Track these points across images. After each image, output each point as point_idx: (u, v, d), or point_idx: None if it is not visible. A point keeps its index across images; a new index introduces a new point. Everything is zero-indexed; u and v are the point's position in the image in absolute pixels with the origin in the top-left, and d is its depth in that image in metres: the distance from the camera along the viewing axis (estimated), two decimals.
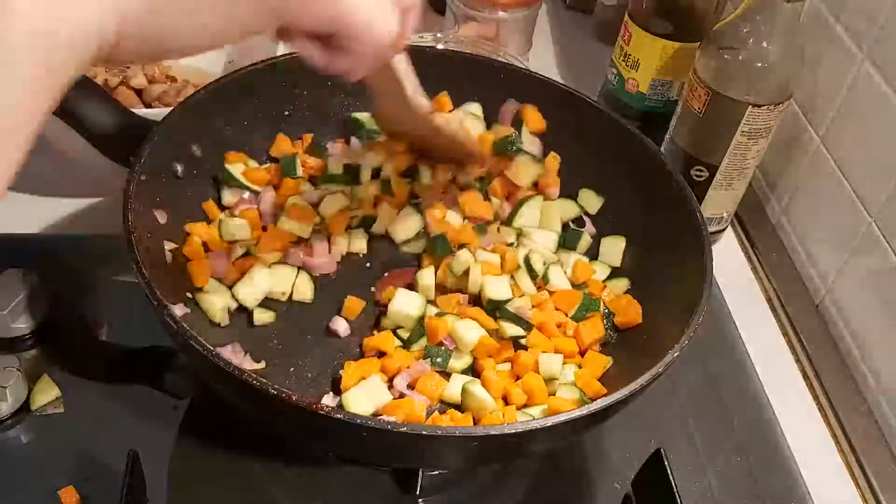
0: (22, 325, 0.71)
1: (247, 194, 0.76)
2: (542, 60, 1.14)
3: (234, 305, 0.70)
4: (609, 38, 1.04)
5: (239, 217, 0.74)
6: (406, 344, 0.69)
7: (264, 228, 0.75)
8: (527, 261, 0.74)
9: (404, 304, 0.70)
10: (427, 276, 0.73)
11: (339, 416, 0.50)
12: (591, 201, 0.81)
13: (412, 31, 0.54)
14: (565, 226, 0.81)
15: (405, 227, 0.77)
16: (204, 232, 0.71)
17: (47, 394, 0.68)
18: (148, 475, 0.62)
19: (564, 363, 0.69)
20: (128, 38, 0.38)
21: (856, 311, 0.82)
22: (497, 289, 0.72)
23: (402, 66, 0.67)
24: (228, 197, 0.75)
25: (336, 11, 0.46)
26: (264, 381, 0.51)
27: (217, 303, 0.68)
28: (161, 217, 0.68)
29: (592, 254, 0.79)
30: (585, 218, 0.81)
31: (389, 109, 0.75)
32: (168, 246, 0.68)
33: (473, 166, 0.80)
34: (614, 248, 0.78)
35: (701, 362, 0.80)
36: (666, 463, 0.63)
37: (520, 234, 0.78)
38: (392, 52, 0.55)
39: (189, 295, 0.68)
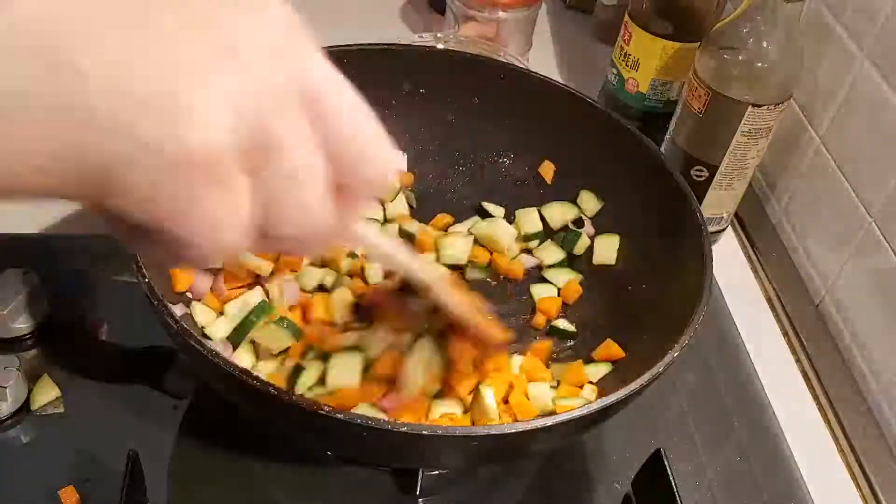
0: (22, 325, 0.71)
1: None
2: (542, 60, 1.14)
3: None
4: (609, 38, 1.05)
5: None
6: None
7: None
8: None
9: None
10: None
11: (339, 416, 0.50)
12: (590, 204, 0.81)
13: (352, 223, 0.38)
14: (564, 227, 0.81)
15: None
16: None
17: (47, 394, 0.68)
18: (148, 475, 0.62)
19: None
20: None
21: (856, 311, 0.82)
22: None
23: (374, 238, 0.54)
24: None
25: (172, 212, 0.31)
26: (264, 381, 0.51)
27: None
28: None
29: (588, 256, 0.80)
30: (585, 218, 0.81)
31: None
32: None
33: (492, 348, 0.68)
34: (608, 247, 0.78)
35: (701, 362, 0.80)
36: (666, 463, 0.63)
37: None
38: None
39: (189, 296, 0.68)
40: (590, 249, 0.80)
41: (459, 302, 0.64)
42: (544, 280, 0.80)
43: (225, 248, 0.33)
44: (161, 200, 0.30)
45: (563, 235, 0.80)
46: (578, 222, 0.81)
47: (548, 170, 0.83)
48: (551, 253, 0.80)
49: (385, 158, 0.37)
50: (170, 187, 0.30)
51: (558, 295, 0.79)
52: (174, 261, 0.39)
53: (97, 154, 0.28)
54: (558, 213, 0.81)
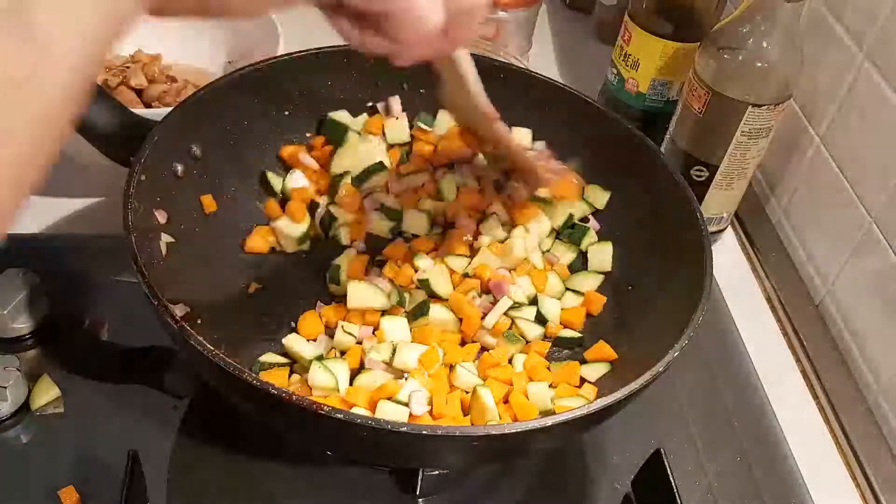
0: (22, 325, 0.71)
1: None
2: (542, 60, 1.14)
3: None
4: (609, 38, 1.05)
5: None
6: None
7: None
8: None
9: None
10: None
11: (339, 415, 0.50)
12: (599, 196, 0.80)
13: (469, 35, 0.52)
14: (570, 225, 0.80)
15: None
16: None
17: (47, 394, 0.68)
18: (148, 475, 0.62)
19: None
20: None
21: (856, 311, 0.82)
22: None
23: (466, 64, 0.65)
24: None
25: None
26: (264, 381, 0.51)
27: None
28: (161, 217, 0.68)
29: (581, 263, 0.79)
30: (590, 215, 0.80)
31: (455, 101, 0.73)
32: (165, 239, 0.68)
33: (531, 185, 0.78)
34: (603, 255, 0.78)
35: (701, 362, 0.80)
36: (666, 463, 0.63)
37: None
38: (438, 47, 0.52)
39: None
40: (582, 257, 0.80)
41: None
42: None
43: (418, 30, 0.47)
44: None
45: (568, 232, 0.80)
46: (583, 218, 0.81)
47: None
48: (563, 252, 0.80)
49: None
50: None
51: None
52: (393, 47, 0.49)
53: None
54: (570, 205, 0.81)
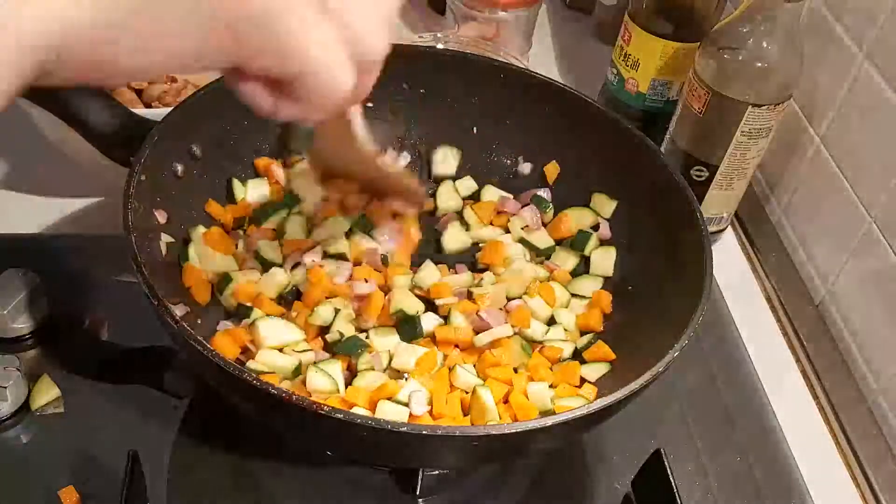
0: (22, 325, 0.71)
1: None
2: (542, 60, 1.14)
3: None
4: (609, 38, 1.05)
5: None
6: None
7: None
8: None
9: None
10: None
11: (339, 416, 0.50)
12: (605, 205, 0.80)
13: (367, 91, 0.50)
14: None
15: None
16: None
17: (47, 394, 0.68)
18: (148, 475, 0.62)
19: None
20: (70, 54, 0.36)
21: (856, 311, 0.82)
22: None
23: (354, 110, 0.62)
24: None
25: (292, 56, 0.43)
26: (264, 381, 0.51)
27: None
28: (161, 217, 0.68)
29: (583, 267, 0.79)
30: (602, 220, 0.80)
31: (330, 149, 0.70)
32: (165, 239, 0.68)
33: (414, 204, 0.76)
34: (606, 260, 0.78)
35: (701, 362, 0.80)
36: (666, 463, 0.63)
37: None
38: (346, 105, 0.51)
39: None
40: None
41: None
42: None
43: (333, 93, 0.45)
44: (284, 50, 0.42)
45: (571, 239, 0.79)
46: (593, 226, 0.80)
47: (552, 170, 0.83)
48: (564, 259, 0.79)
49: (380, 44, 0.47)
50: (290, 25, 0.41)
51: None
52: (309, 110, 0.47)
53: (261, 14, 0.40)
54: (574, 220, 0.81)
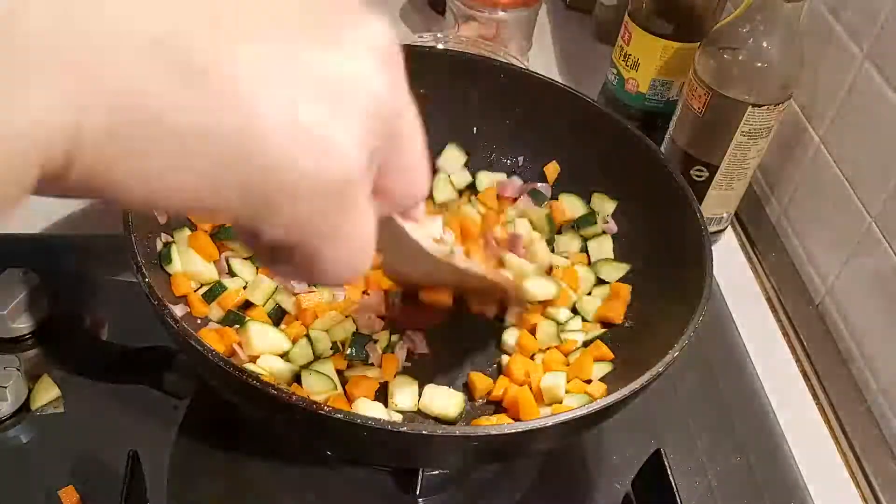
0: (22, 325, 0.71)
1: None
2: (542, 60, 1.14)
3: None
4: (609, 38, 1.05)
5: None
6: None
7: None
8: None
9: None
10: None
11: (339, 416, 0.50)
12: (606, 205, 0.80)
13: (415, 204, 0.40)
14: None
15: None
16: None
17: (47, 394, 0.68)
18: (148, 475, 0.62)
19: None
20: (79, 166, 0.27)
21: (856, 311, 0.82)
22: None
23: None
24: None
25: (308, 236, 0.32)
26: (264, 381, 0.51)
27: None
28: (161, 217, 0.68)
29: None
30: (609, 217, 0.80)
31: (397, 261, 0.62)
32: (165, 239, 0.68)
33: (511, 306, 0.73)
34: (604, 245, 0.79)
35: (701, 362, 0.80)
36: (666, 463, 0.63)
37: None
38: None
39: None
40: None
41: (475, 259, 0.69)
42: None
43: (360, 265, 0.35)
44: (312, 225, 0.31)
45: (576, 221, 0.81)
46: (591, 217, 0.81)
47: (552, 170, 0.83)
48: (567, 243, 0.80)
49: (424, 184, 0.39)
50: (321, 213, 0.31)
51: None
52: (309, 279, 0.42)
53: (261, 182, 0.29)
54: (569, 205, 0.82)
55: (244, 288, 0.71)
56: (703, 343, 0.80)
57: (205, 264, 0.70)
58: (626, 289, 0.75)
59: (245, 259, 0.72)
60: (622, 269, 0.77)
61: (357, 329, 0.71)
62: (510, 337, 0.72)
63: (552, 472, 0.70)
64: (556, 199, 0.82)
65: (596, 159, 0.80)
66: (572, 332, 0.73)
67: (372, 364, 0.69)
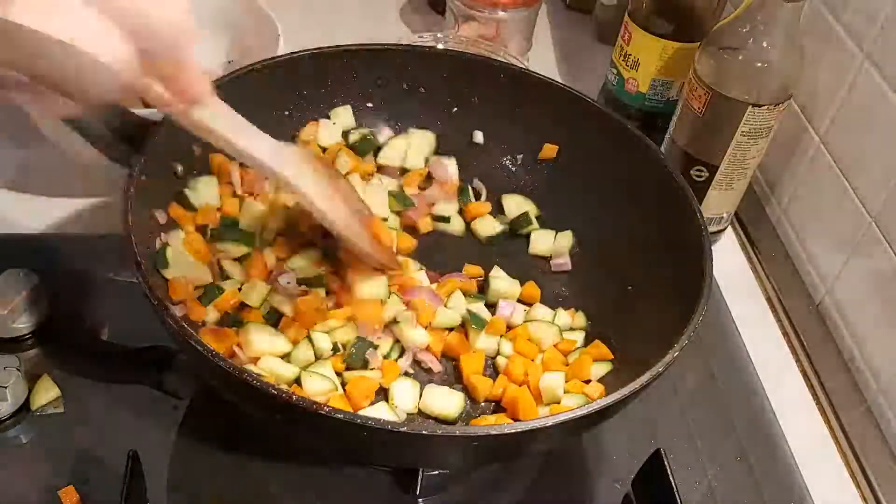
0: (22, 325, 0.71)
1: None
2: (542, 60, 1.14)
3: None
4: (609, 38, 1.05)
5: None
6: None
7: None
8: None
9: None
10: None
11: (339, 415, 0.50)
12: (565, 241, 0.81)
13: (196, 80, 0.45)
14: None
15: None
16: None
17: (47, 394, 0.68)
18: (148, 475, 0.62)
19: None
20: None
21: (856, 311, 0.82)
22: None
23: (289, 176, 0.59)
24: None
25: (23, 55, 0.37)
26: (264, 381, 0.51)
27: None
28: (161, 217, 0.68)
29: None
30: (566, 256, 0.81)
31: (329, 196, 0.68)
32: (165, 239, 0.68)
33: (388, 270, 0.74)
34: (544, 238, 0.82)
35: (701, 362, 0.80)
36: (666, 463, 0.63)
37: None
38: (159, 97, 0.45)
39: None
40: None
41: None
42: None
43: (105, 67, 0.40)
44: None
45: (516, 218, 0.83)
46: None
47: (549, 156, 0.84)
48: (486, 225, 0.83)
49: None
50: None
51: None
52: (81, 105, 0.45)
53: None
54: (514, 205, 0.84)
55: (239, 290, 0.71)
56: (703, 343, 0.80)
57: (199, 267, 0.70)
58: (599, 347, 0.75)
59: (234, 260, 0.72)
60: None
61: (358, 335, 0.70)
62: (506, 347, 0.73)
63: (552, 472, 0.70)
64: (558, 203, 0.83)
65: (595, 159, 0.80)
66: (571, 332, 0.73)
67: (373, 369, 0.69)
